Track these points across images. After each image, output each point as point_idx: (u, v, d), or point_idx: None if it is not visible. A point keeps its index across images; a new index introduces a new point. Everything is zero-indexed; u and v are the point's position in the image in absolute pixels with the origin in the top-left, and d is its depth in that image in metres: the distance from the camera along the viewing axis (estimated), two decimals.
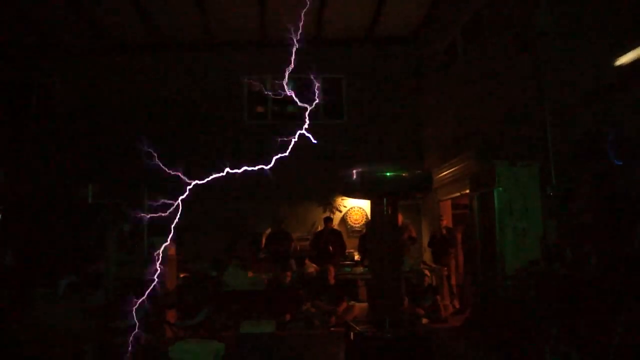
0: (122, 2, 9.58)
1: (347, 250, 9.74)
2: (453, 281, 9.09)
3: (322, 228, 9.91)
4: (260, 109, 11.93)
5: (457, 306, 8.70)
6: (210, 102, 11.30)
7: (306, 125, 4.54)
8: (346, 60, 11.45)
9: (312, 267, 8.69)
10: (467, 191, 7.60)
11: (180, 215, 8.65)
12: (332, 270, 8.15)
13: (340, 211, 11.25)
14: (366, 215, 10.96)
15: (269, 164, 4.26)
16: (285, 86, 4.73)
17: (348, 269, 8.83)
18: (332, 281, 8.05)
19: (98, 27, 10.62)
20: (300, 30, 4.76)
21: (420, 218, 11.26)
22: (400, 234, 8.50)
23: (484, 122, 8.08)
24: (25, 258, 7.54)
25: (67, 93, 11.32)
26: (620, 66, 4.77)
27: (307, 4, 4.73)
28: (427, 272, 8.61)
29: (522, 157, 6.07)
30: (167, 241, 7.23)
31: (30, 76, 11.55)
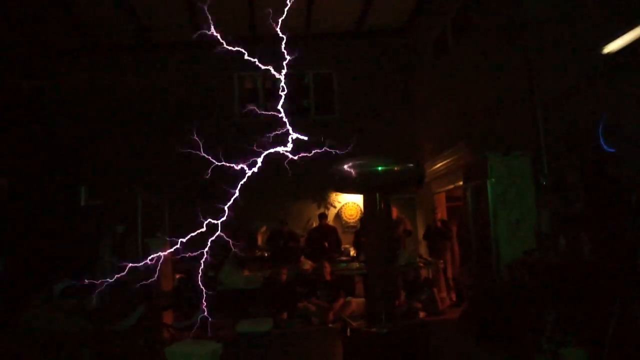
0: (109, 1, 9.50)
1: (342, 246, 9.72)
2: (449, 274, 9.10)
3: (316, 224, 9.87)
4: (251, 106, 11.87)
5: (454, 299, 8.70)
6: (202, 100, 11.24)
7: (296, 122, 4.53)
8: (336, 55, 11.41)
9: (307, 264, 8.66)
10: (461, 183, 7.60)
11: (174, 214, 8.60)
12: (327, 267, 8.13)
13: (335, 207, 11.22)
14: (361, 210, 10.94)
15: (260, 160, 4.24)
16: (276, 82, 4.71)
17: (344, 265, 8.81)
18: (328, 277, 8.03)
19: (86, 28, 10.53)
20: (289, 26, 4.72)
21: (415, 211, 11.25)
22: (394, 228, 8.50)
23: (475, 114, 8.08)
24: (18, 263, 7.47)
25: (57, 95, 11.23)
26: (608, 54, 4.77)
27: None
28: (422, 265, 8.61)
29: (514, 148, 6.06)
30: (162, 242, 7.23)
31: (19, 79, 11.44)
